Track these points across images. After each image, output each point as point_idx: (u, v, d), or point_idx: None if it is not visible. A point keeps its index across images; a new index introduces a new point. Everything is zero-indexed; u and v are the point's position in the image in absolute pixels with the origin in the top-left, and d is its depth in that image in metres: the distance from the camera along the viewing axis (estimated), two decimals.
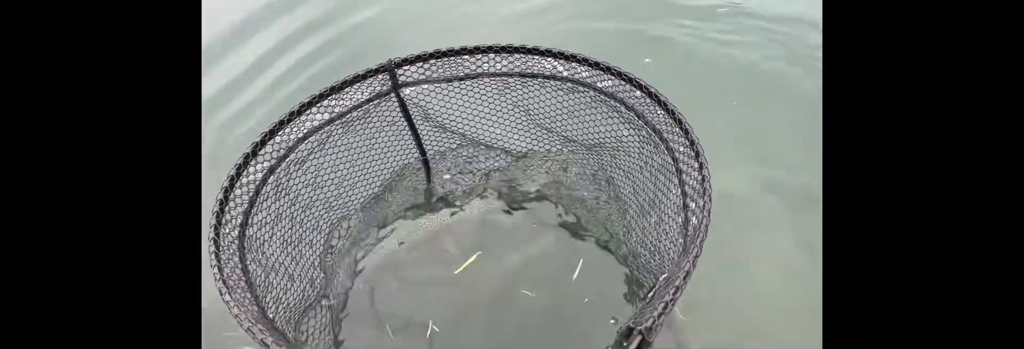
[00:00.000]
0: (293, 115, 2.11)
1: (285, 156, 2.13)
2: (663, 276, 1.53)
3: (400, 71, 2.35)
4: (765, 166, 2.72)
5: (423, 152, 2.72)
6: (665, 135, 1.95)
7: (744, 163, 2.74)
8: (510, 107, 2.57)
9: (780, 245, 2.43)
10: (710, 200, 1.54)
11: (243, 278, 1.65)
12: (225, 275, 1.52)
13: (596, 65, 2.20)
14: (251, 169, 1.96)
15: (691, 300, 2.15)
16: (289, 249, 2.11)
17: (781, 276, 2.33)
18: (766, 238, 2.46)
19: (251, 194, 1.95)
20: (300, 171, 2.20)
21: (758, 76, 3.17)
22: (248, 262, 1.76)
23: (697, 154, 1.69)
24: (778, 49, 3.34)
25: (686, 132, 1.79)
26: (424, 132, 2.64)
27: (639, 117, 2.12)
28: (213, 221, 1.71)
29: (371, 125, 2.46)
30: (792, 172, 2.65)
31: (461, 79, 2.49)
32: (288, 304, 1.95)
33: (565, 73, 2.37)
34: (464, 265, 2.46)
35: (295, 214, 2.20)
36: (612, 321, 2.14)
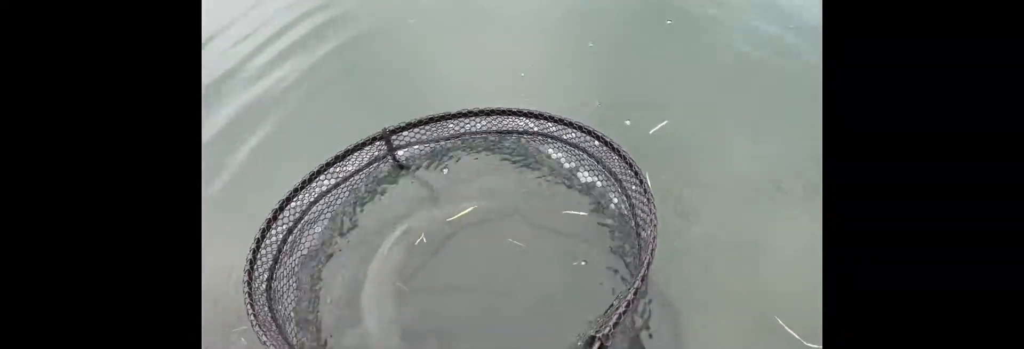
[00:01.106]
0: (305, 183, 2.47)
1: (301, 218, 2.47)
2: (621, 292, 1.83)
3: (394, 137, 2.71)
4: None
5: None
6: (620, 177, 2.29)
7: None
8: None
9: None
10: (656, 228, 1.86)
11: (273, 323, 1.95)
12: (261, 321, 1.83)
13: (561, 121, 2.56)
14: (273, 231, 2.30)
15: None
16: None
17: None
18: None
19: (274, 253, 2.27)
20: (311, 230, 2.54)
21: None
22: (276, 311, 2.07)
23: (645, 191, 2.02)
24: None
25: (636, 173, 2.13)
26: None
27: (598, 162, 2.46)
28: (245, 278, 2.03)
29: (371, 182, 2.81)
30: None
31: (447, 139, 2.86)
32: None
33: (535, 128, 2.74)
34: (458, 215, 2.71)
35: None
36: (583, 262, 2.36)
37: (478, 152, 2.92)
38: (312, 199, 2.53)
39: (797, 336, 2.09)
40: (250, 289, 1.98)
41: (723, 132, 3.02)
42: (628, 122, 3.10)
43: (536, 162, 2.79)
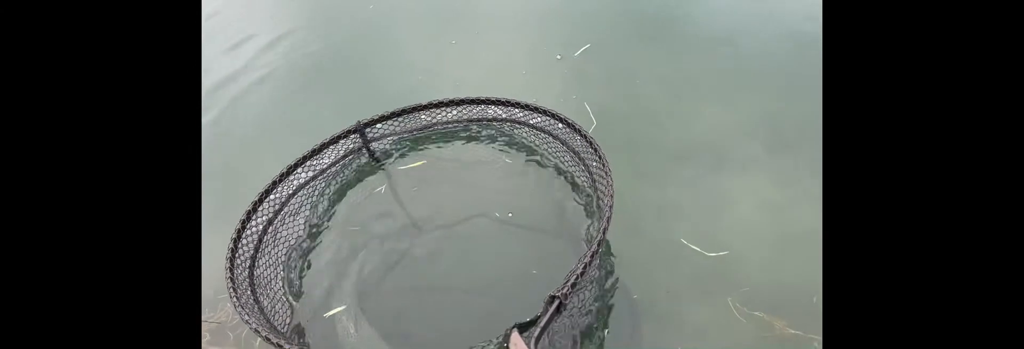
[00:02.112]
0: (283, 176, 2.56)
1: (280, 210, 2.56)
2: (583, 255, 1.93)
3: (368, 130, 2.81)
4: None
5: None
6: (582, 155, 2.40)
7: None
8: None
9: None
10: (612, 198, 1.97)
11: (257, 307, 2.05)
12: (243, 303, 1.92)
13: (527, 106, 2.67)
14: (252, 223, 2.39)
15: None
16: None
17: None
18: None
19: (255, 242, 2.36)
20: (293, 221, 2.63)
21: None
22: (259, 296, 2.16)
23: (604, 164, 2.13)
24: None
25: (595, 150, 2.24)
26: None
27: (563, 144, 2.57)
28: (227, 265, 2.12)
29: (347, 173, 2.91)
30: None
31: (420, 129, 2.96)
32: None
33: (504, 115, 2.84)
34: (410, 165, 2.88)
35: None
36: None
37: (452, 141, 3.03)
38: (291, 191, 2.62)
39: (699, 249, 2.43)
40: (232, 275, 2.07)
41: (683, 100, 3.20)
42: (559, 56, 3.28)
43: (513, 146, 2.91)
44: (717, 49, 3.54)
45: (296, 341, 2.03)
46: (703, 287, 2.35)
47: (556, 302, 1.58)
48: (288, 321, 2.23)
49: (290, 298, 2.36)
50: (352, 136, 2.80)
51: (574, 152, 2.50)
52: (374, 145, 2.90)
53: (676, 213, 2.62)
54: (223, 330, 2.49)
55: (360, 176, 2.95)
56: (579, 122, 2.46)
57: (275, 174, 2.52)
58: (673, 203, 2.67)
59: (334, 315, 2.36)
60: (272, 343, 1.77)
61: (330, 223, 2.77)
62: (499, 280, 2.46)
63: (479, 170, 2.89)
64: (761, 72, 3.36)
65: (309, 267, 2.58)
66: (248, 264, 2.27)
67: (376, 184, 2.93)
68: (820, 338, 2.17)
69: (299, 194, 2.67)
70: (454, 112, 2.91)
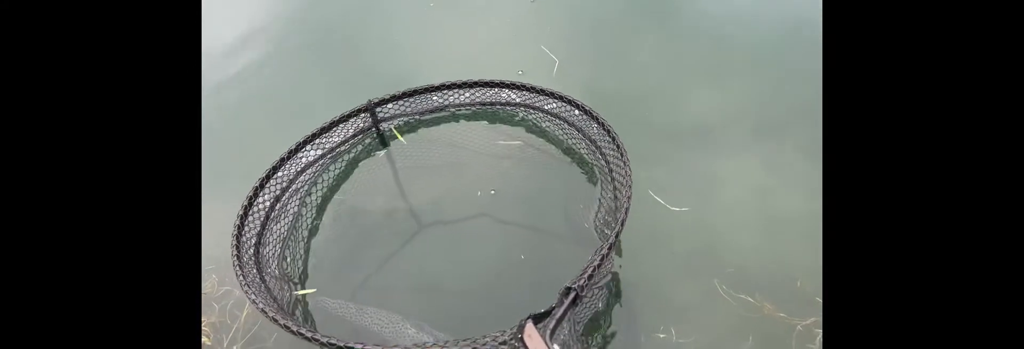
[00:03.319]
0: (291, 153, 2.51)
1: (288, 187, 2.52)
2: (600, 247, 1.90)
3: (379, 109, 2.75)
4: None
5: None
6: (599, 143, 2.35)
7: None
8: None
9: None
10: (631, 188, 1.93)
11: (263, 285, 2.01)
12: (249, 282, 1.89)
13: (542, 91, 2.61)
14: (259, 200, 2.35)
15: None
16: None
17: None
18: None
19: (261, 220, 2.32)
20: (300, 200, 2.58)
21: None
22: (265, 274, 2.13)
23: (622, 155, 2.09)
24: None
25: (613, 139, 2.19)
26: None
27: (578, 131, 2.52)
28: (233, 242, 2.08)
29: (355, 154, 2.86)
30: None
31: (432, 111, 2.90)
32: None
33: (517, 99, 2.79)
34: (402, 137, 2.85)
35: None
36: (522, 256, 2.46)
37: (463, 124, 2.97)
38: (298, 169, 2.58)
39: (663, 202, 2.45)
40: (238, 252, 2.03)
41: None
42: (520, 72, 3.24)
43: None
44: (719, 29, 3.46)
45: (301, 322, 2.00)
46: (689, 267, 2.35)
47: (573, 294, 1.55)
48: (289, 301, 2.19)
49: (291, 279, 2.33)
50: (363, 115, 2.75)
51: (590, 140, 2.46)
52: (383, 126, 2.85)
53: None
54: (208, 301, 2.46)
55: (366, 156, 2.90)
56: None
57: (281, 151, 2.48)
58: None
59: (306, 295, 2.34)
60: (279, 325, 1.74)
61: (333, 203, 2.73)
62: (502, 269, 2.44)
63: (489, 155, 2.85)
64: (758, 54, 3.29)
65: (310, 247, 2.55)
66: (254, 241, 2.23)
67: (382, 165, 2.88)
68: (803, 322, 2.19)
69: (306, 173, 2.62)
70: (467, 94, 2.85)
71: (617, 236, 1.77)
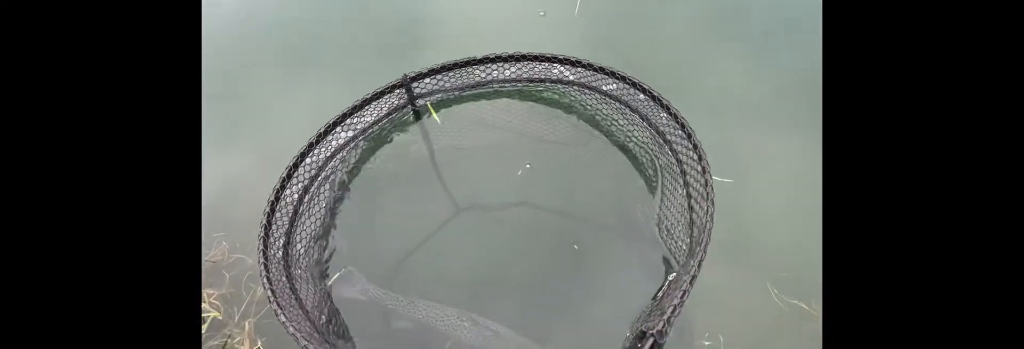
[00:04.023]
0: (321, 136, 2.26)
1: (317, 175, 2.29)
2: (671, 276, 1.66)
3: (414, 85, 2.47)
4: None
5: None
6: (668, 137, 2.06)
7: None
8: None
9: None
10: (713, 204, 1.66)
11: (293, 296, 1.83)
12: (277, 296, 1.69)
13: (601, 69, 2.30)
14: (288, 191, 2.12)
15: None
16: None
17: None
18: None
19: (290, 215, 2.11)
20: (328, 187, 2.36)
21: None
22: (294, 280, 1.94)
23: (700, 158, 1.80)
24: None
25: (689, 136, 1.90)
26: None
27: (643, 119, 2.22)
28: (260, 246, 1.88)
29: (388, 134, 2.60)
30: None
31: (472, 87, 2.61)
32: (325, 305, 2.12)
33: (571, 77, 2.48)
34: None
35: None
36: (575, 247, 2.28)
37: (506, 102, 2.68)
38: (328, 154, 2.34)
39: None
40: (265, 258, 1.83)
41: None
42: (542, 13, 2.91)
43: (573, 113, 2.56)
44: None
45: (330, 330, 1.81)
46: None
47: (651, 340, 1.33)
48: (320, 301, 2.01)
49: (322, 280, 2.15)
50: (397, 91, 2.47)
51: (657, 131, 2.16)
52: (419, 103, 2.57)
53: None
54: (218, 270, 2.30)
55: (400, 137, 2.64)
56: None
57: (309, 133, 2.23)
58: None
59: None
60: None
61: (365, 187, 2.51)
62: (544, 259, 2.24)
63: (533, 138, 2.57)
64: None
65: (341, 233, 2.35)
66: (282, 241, 2.02)
67: (417, 146, 2.63)
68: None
69: (336, 157, 2.38)
70: (513, 69, 2.55)
71: (700, 265, 1.52)
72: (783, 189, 2.36)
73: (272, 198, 2.03)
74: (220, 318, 2.20)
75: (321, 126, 2.28)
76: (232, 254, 2.37)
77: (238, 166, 2.63)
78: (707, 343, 2.00)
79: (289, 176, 2.13)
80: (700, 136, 1.96)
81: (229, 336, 2.16)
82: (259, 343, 2.12)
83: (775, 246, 2.20)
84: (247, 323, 2.17)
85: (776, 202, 2.33)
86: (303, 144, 2.22)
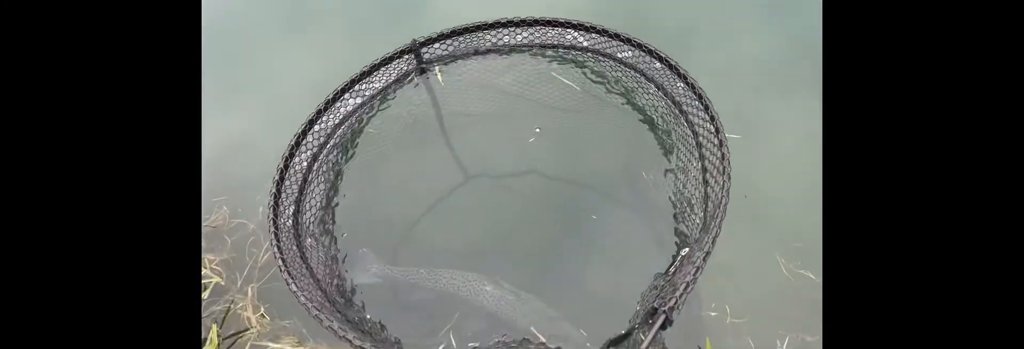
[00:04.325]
0: (329, 103, 2.22)
1: (326, 143, 2.26)
2: (684, 251, 1.64)
3: (424, 50, 2.41)
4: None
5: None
6: (685, 107, 2.00)
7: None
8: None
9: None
10: (729, 179, 1.62)
11: (304, 265, 1.83)
12: (288, 265, 1.69)
13: (616, 36, 2.22)
14: (297, 159, 2.10)
15: None
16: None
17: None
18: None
19: (300, 183, 2.10)
20: (336, 154, 2.33)
21: None
22: (305, 248, 1.94)
23: (717, 130, 1.75)
24: None
25: (706, 107, 1.85)
26: None
27: (659, 88, 2.16)
28: (270, 215, 1.87)
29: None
30: None
31: (483, 53, 2.54)
32: (338, 274, 2.13)
33: (585, 43, 2.40)
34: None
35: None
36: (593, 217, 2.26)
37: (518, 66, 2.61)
38: (337, 121, 2.30)
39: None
40: (276, 227, 1.83)
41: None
42: None
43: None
44: None
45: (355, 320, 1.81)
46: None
47: (662, 317, 1.33)
48: (334, 278, 2.02)
49: (336, 251, 2.15)
50: (407, 56, 2.41)
51: (673, 101, 2.10)
52: (428, 67, 2.51)
53: None
54: (219, 235, 2.32)
55: (409, 103, 2.59)
56: None
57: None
58: None
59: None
60: (338, 336, 1.54)
61: (373, 153, 2.48)
62: (549, 236, 2.24)
63: (545, 105, 2.52)
64: None
65: (349, 200, 2.34)
66: (292, 210, 2.01)
67: (426, 112, 2.59)
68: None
69: (344, 125, 2.35)
70: (524, 34, 2.47)
71: (714, 242, 1.50)
72: (792, 152, 2.34)
73: (281, 166, 2.01)
74: (222, 284, 2.21)
75: (329, 92, 2.23)
76: (233, 219, 2.38)
77: (238, 129, 2.60)
78: (713, 314, 2.01)
79: (298, 143, 2.10)
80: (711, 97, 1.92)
81: (232, 302, 2.18)
82: (262, 309, 2.14)
83: (783, 214, 2.19)
84: (250, 289, 2.19)
85: (785, 166, 2.31)
86: (311, 111, 2.18)
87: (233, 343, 2.09)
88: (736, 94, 2.46)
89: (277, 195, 1.94)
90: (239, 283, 2.23)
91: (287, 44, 3.00)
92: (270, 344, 2.04)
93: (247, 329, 2.09)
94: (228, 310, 2.15)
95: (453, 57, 2.52)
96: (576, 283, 2.11)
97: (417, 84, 2.58)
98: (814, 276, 2.04)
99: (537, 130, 2.45)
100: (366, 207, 2.35)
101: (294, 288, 1.60)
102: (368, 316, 1.98)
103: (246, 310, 2.13)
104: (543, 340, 1.84)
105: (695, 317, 2.00)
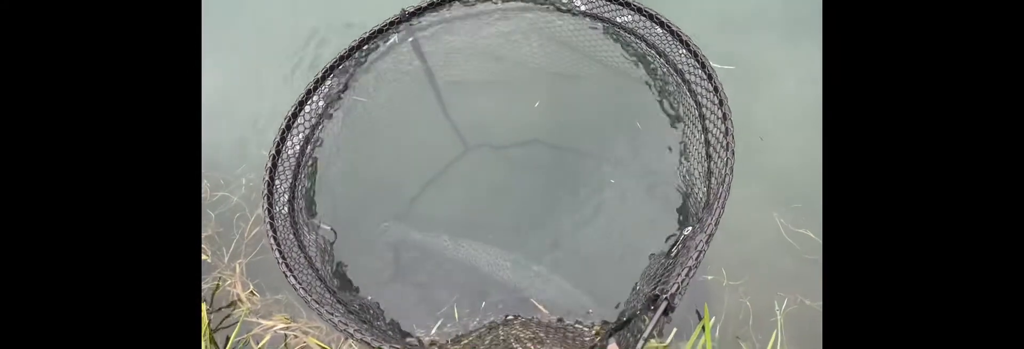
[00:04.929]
0: (318, 82, 2.15)
1: (317, 124, 2.20)
2: (686, 231, 1.59)
3: (414, 20, 2.31)
4: None
5: None
6: (687, 76, 1.91)
7: None
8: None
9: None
10: (733, 155, 1.55)
11: (302, 254, 1.81)
12: (286, 256, 1.67)
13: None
14: (289, 143, 2.05)
15: None
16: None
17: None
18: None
19: (293, 167, 2.05)
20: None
21: None
22: (302, 236, 1.91)
23: (721, 102, 1.66)
24: None
25: (710, 77, 1.75)
26: None
27: (661, 55, 2.06)
28: (264, 204, 1.83)
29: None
30: None
31: (476, 16, 2.43)
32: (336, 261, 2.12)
33: (583, 7, 2.28)
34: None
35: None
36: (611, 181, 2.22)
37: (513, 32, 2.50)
38: (328, 101, 2.23)
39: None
40: (271, 217, 1.80)
41: None
42: None
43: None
44: None
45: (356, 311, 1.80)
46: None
47: (664, 305, 1.29)
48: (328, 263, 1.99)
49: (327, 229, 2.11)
50: (403, 25, 2.31)
51: (676, 69, 2.00)
52: (418, 35, 2.41)
53: None
54: (202, 210, 2.27)
55: (402, 73, 2.50)
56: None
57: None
58: None
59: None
60: (339, 330, 1.53)
61: (369, 124, 2.41)
62: (555, 200, 2.20)
63: (543, 71, 2.43)
64: None
65: (345, 175, 2.30)
66: (288, 197, 1.98)
67: (419, 81, 2.49)
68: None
69: (335, 105, 2.28)
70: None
71: (717, 223, 1.44)
72: (790, 104, 2.25)
73: (272, 152, 1.96)
74: (209, 261, 2.19)
75: (317, 71, 2.15)
76: (215, 192, 2.33)
77: (210, 90, 2.39)
78: (710, 277, 1.97)
79: (289, 127, 2.04)
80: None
81: (220, 279, 2.15)
82: (251, 285, 2.12)
83: (783, 169, 2.12)
84: (237, 265, 2.16)
85: (784, 119, 2.24)
86: (299, 91, 2.11)
87: (223, 319, 2.08)
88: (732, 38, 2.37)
89: (270, 183, 1.90)
90: (226, 259, 2.20)
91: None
92: (262, 321, 2.03)
93: (233, 304, 2.08)
94: (217, 287, 2.14)
95: (445, 22, 2.42)
96: (577, 253, 2.09)
97: (409, 52, 2.48)
98: (814, 235, 1.99)
99: (536, 105, 2.36)
100: (365, 183, 2.31)
101: (293, 281, 1.59)
102: (370, 297, 1.97)
103: (235, 286, 2.11)
104: (545, 311, 1.85)
105: (692, 281, 1.97)
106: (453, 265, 2.08)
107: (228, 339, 2.02)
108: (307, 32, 2.66)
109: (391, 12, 2.24)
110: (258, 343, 2.00)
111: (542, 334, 1.55)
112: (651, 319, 1.29)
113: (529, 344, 1.50)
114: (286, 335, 2.03)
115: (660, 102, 2.20)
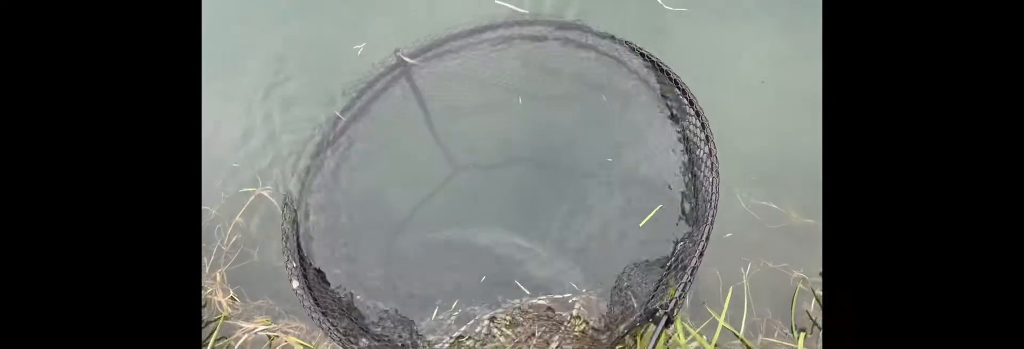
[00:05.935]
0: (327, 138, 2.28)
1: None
2: (678, 244, 1.69)
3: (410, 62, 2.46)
4: None
5: None
6: (665, 94, 2.02)
7: None
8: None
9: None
10: (718, 175, 1.66)
11: (336, 303, 1.90)
12: (319, 303, 1.76)
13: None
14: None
15: None
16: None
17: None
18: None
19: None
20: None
21: None
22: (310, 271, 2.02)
23: (703, 126, 1.78)
24: None
25: (691, 103, 1.87)
26: None
27: (643, 82, 2.19)
28: (293, 265, 1.88)
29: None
30: None
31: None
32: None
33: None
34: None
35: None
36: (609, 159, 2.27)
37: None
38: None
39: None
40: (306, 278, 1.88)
41: None
42: None
43: None
44: None
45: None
46: None
47: (664, 319, 1.40)
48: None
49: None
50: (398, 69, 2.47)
51: (662, 94, 2.12)
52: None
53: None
54: None
55: (394, 105, 2.56)
56: None
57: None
58: None
59: None
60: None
61: (363, 151, 2.50)
62: (547, 216, 2.24)
63: (524, 94, 2.49)
64: None
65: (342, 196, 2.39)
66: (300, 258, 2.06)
67: (411, 107, 2.55)
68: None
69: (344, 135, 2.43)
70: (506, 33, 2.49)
71: (707, 239, 1.55)
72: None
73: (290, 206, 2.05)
74: None
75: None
76: None
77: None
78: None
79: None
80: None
81: (202, 288, 2.18)
82: (231, 292, 2.15)
83: (747, 150, 2.13)
84: (218, 274, 2.18)
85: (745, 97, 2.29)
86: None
87: (207, 324, 2.13)
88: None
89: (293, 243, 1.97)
90: (207, 268, 2.23)
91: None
92: (243, 324, 2.08)
93: (219, 317, 2.13)
94: None
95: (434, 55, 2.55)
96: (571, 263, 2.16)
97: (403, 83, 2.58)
98: (776, 206, 2.05)
99: (519, 101, 2.45)
100: (359, 204, 2.38)
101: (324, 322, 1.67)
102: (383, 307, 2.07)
103: (216, 295, 2.15)
104: (527, 292, 1.92)
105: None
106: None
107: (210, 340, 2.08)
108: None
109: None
110: (237, 343, 2.04)
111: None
112: (653, 335, 1.39)
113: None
114: (270, 336, 2.07)
115: (643, 121, 2.30)
